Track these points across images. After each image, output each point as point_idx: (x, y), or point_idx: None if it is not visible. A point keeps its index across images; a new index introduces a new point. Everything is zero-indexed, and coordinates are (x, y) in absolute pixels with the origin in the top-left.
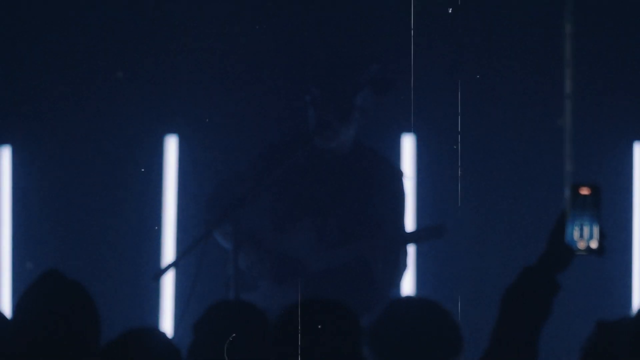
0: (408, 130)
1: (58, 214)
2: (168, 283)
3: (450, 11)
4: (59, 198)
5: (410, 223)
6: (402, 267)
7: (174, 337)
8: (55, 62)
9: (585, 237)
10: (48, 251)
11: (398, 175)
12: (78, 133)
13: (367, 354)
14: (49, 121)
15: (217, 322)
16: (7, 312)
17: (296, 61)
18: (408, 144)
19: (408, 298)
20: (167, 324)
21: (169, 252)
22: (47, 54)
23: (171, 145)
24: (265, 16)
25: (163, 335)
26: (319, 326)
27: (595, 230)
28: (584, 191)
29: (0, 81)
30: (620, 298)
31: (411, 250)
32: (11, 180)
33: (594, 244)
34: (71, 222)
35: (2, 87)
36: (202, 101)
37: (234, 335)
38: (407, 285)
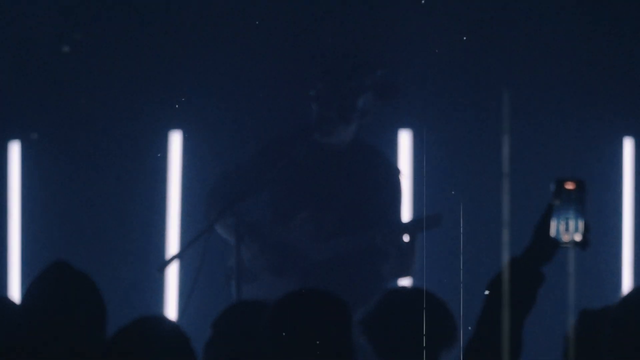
0: (405, 126)
1: (66, 207)
2: (172, 274)
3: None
4: (66, 192)
5: (406, 217)
6: (414, 258)
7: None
8: (62, 60)
9: (570, 230)
10: (56, 243)
11: (395, 172)
12: (85, 129)
13: (363, 343)
14: (57, 118)
15: (234, 321)
16: (17, 300)
17: (301, 58)
18: (405, 140)
19: (403, 288)
20: (171, 314)
21: (173, 244)
22: (55, 51)
23: (176, 141)
24: (271, 13)
25: (173, 323)
26: (310, 317)
27: (580, 224)
28: (569, 186)
29: (9, 78)
30: (611, 290)
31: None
32: (20, 174)
33: (578, 237)
34: (78, 215)
35: (10, 85)
36: (205, 98)
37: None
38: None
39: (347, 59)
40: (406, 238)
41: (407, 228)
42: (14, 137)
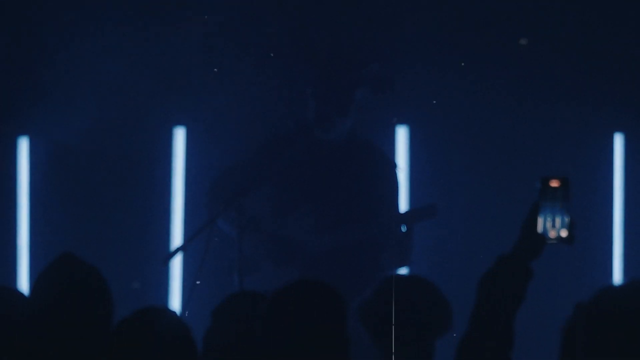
0: (402, 122)
1: (73, 201)
2: (176, 266)
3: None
4: (73, 187)
5: (402, 209)
6: (412, 247)
7: (181, 317)
8: (69, 57)
9: (556, 227)
10: (63, 236)
11: (392, 166)
12: (91, 125)
13: (361, 330)
14: (64, 114)
15: (234, 310)
16: (25, 291)
17: (299, 57)
18: (402, 135)
19: (399, 276)
20: (175, 305)
21: (177, 237)
22: (62, 49)
23: (179, 137)
24: (270, 13)
25: (174, 313)
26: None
27: (566, 220)
28: (554, 183)
29: (18, 75)
30: (602, 284)
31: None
32: (28, 168)
33: (564, 233)
34: (85, 209)
35: (20, 82)
36: (209, 95)
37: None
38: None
39: (341, 54)
40: (403, 229)
41: (403, 219)
42: (23, 132)
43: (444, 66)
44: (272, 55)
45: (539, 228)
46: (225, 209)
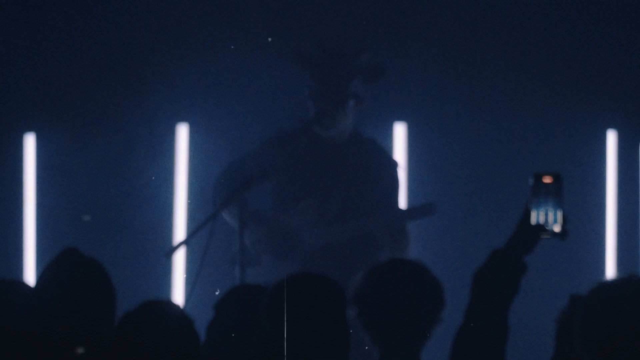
0: (400, 119)
1: (78, 197)
2: (179, 259)
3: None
4: (78, 182)
5: (402, 206)
6: (408, 243)
7: (184, 309)
8: (75, 56)
9: (549, 222)
10: (68, 231)
11: (393, 165)
12: (96, 122)
13: (353, 316)
14: (69, 111)
15: (235, 303)
16: (31, 284)
17: (293, 57)
18: (400, 132)
19: (391, 260)
20: (178, 297)
21: (180, 231)
22: (67, 48)
23: (182, 133)
24: (267, 15)
25: (177, 306)
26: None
27: (559, 215)
28: (547, 179)
29: (25, 73)
30: (596, 277)
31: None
32: (35, 165)
33: (557, 228)
34: (90, 204)
35: (26, 79)
36: (211, 94)
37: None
38: None
39: (331, 49)
40: (401, 225)
41: (402, 216)
42: (29, 130)
43: (442, 65)
44: (269, 39)
45: (532, 223)
46: (226, 203)
